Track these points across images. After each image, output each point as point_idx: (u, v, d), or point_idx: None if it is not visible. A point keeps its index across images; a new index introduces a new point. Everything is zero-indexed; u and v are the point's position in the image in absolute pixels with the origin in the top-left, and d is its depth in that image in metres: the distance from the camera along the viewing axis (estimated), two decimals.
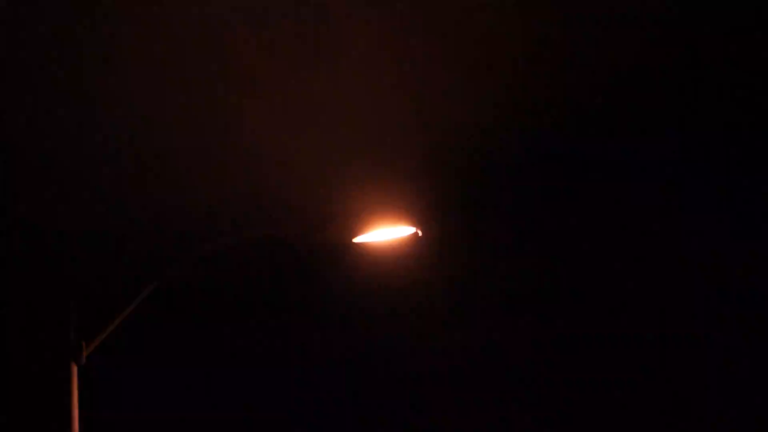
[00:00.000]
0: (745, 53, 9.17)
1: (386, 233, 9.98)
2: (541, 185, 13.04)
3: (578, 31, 7.95)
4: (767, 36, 8.83)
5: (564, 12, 7.56)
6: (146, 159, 10.02)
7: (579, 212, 14.48)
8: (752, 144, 12.50)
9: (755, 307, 15.62)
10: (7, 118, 8.62)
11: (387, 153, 10.39)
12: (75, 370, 10.45)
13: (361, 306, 16.48)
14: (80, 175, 10.30)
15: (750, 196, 14.26)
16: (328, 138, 9.76)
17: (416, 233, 9.93)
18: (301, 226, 9.78)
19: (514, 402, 16.66)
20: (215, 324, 16.33)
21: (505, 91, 9.10)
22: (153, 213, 11.73)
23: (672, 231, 15.21)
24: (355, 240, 10.08)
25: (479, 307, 16.48)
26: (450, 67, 8.35)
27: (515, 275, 16.03)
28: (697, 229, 15.15)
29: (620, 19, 7.92)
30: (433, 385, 16.83)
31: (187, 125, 9.21)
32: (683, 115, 10.83)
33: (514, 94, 9.20)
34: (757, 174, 13.58)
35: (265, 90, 8.51)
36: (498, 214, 14.15)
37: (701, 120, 11.08)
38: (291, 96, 8.68)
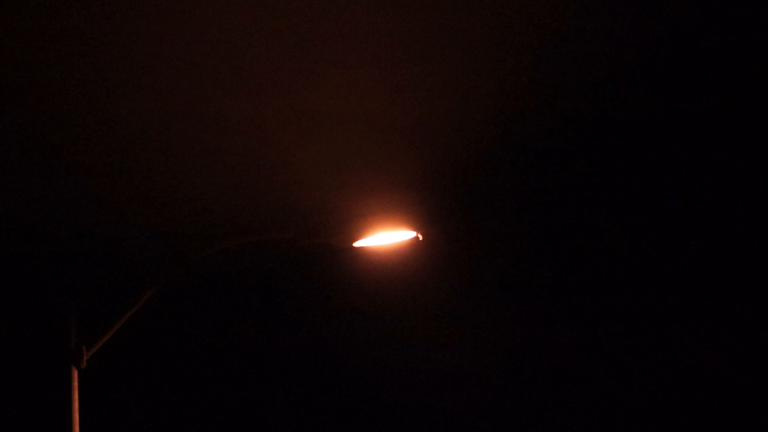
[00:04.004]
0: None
1: (387, 237, 9.99)
2: (541, 188, 13.04)
3: (580, 33, 7.95)
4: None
5: (566, 15, 7.56)
6: (146, 162, 10.01)
7: (580, 214, 14.50)
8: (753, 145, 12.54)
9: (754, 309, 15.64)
10: (7, 119, 8.61)
11: (388, 156, 10.39)
12: (75, 374, 10.45)
13: (362, 309, 16.49)
14: (80, 178, 10.30)
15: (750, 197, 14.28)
16: (329, 142, 9.76)
17: (417, 237, 9.93)
18: (302, 230, 9.78)
19: (516, 402, 16.67)
20: (216, 327, 16.34)
21: (508, 95, 9.10)
22: (154, 216, 11.73)
23: (672, 232, 15.23)
24: (356, 244, 10.08)
25: (480, 310, 16.50)
26: (452, 71, 8.35)
27: (516, 277, 16.04)
28: (698, 229, 15.17)
29: (624, 20, 7.92)
30: (434, 386, 16.85)
31: (188, 128, 9.20)
32: (685, 116, 10.84)
33: (516, 97, 9.20)
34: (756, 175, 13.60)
35: (266, 93, 8.51)
36: (499, 217, 14.16)
37: (703, 121, 11.10)
38: (292, 100, 8.68)
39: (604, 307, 16.26)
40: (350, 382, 16.81)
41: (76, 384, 10.37)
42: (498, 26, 7.59)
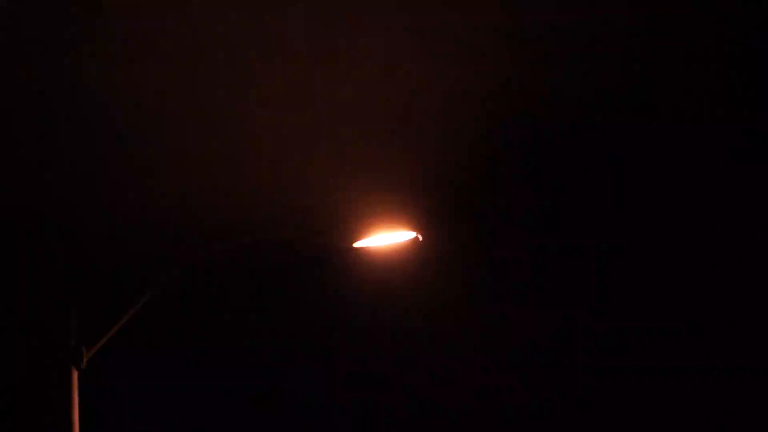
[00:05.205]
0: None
1: (387, 238, 9.99)
2: (541, 190, 13.05)
3: (577, 41, 7.96)
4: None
5: (564, 20, 7.57)
6: (147, 165, 10.02)
7: (575, 216, 14.50)
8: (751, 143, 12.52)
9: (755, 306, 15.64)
10: (10, 123, 8.62)
11: (388, 158, 10.40)
12: (75, 374, 10.46)
13: (362, 309, 16.49)
14: (81, 182, 10.31)
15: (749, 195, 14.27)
16: (330, 144, 9.77)
17: (417, 238, 9.94)
18: (302, 231, 9.78)
19: (513, 401, 16.67)
20: (215, 328, 16.33)
21: (507, 99, 9.11)
22: (154, 217, 11.73)
23: (670, 232, 15.22)
24: (356, 244, 10.09)
25: (479, 310, 16.49)
26: (453, 75, 8.36)
27: (514, 278, 16.04)
28: (695, 228, 15.16)
29: (621, 23, 7.92)
30: (434, 385, 16.85)
31: (192, 132, 9.21)
32: (682, 114, 10.84)
33: (515, 101, 9.20)
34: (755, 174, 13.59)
35: (268, 95, 8.52)
36: (498, 218, 14.17)
37: (700, 119, 11.09)
38: (293, 102, 8.68)
39: (603, 306, 16.25)
40: (350, 382, 16.81)
41: (76, 384, 10.37)
42: (499, 32, 7.59)
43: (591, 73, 8.81)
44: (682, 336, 16.00)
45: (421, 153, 10.31)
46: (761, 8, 8.25)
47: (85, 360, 10.44)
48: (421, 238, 9.90)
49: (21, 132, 8.86)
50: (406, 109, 9.04)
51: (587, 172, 12.52)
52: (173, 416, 16.32)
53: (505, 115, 9.52)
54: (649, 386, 16.18)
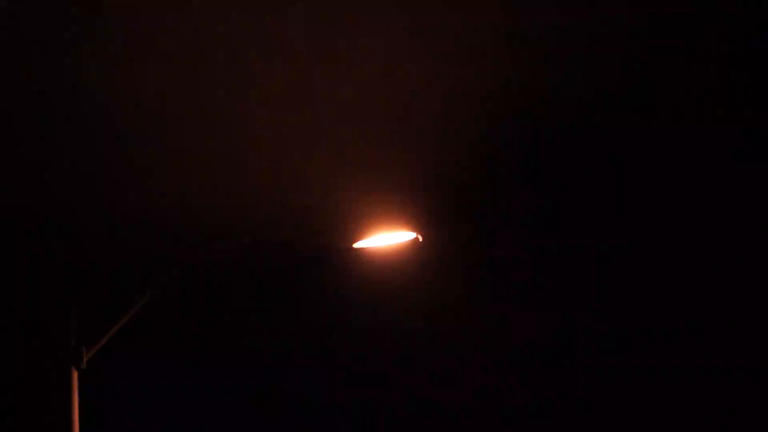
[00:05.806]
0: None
1: (387, 238, 9.99)
2: (539, 190, 13.04)
3: (577, 41, 7.96)
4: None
5: (564, 20, 7.57)
6: (147, 165, 10.02)
7: (575, 216, 14.49)
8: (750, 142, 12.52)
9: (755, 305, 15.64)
10: (10, 123, 8.61)
11: (388, 158, 10.40)
12: (75, 374, 10.46)
13: (362, 309, 16.48)
14: (81, 182, 10.30)
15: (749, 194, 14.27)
16: (330, 144, 9.76)
17: (417, 238, 9.94)
18: (302, 231, 9.78)
19: (513, 401, 16.67)
20: (215, 328, 16.33)
21: (508, 100, 9.11)
22: (155, 217, 11.73)
23: (670, 232, 15.22)
24: (356, 245, 10.08)
25: (479, 310, 16.49)
26: (454, 76, 8.35)
27: (514, 278, 16.03)
28: (693, 226, 15.16)
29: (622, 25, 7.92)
30: (434, 385, 16.84)
31: (192, 132, 9.21)
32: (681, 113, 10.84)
33: (515, 102, 9.20)
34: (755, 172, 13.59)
35: (268, 96, 8.51)
36: (497, 218, 14.16)
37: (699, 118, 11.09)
38: (294, 103, 8.68)
39: (603, 306, 16.24)
40: (350, 382, 16.80)
41: (76, 384, 10.38)
42: (499, 32, 7.59)
43: (591, 73, 8.80)
44: (682, 336, 16.00)
45: (421, 153, 10.31)
46: (761, 8, 8.25)
47: (85, 360, 10.44)
48: (421, 238, 9.90)
49: (21, 132, 8.85)
50: (406, 109, 9.03)
51: (587, 172, 12.51)
52: (173, 416, 16.31)
53: (505, 115, 9.51)
54: (649, 386, 16.18)
